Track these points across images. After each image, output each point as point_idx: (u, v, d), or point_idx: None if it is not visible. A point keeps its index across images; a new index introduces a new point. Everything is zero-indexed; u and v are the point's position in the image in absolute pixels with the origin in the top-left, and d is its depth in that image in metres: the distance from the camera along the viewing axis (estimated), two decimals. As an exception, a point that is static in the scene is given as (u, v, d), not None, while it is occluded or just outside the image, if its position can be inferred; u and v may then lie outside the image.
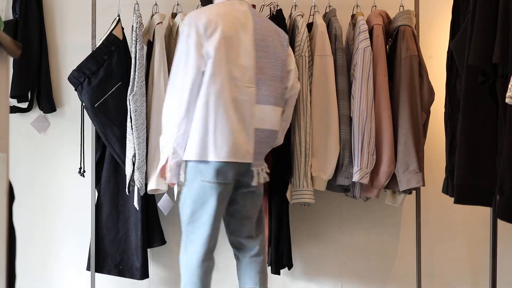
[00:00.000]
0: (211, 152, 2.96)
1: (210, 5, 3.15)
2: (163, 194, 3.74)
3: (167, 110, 3.01)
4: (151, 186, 3.54)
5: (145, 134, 3.54)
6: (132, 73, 3.51)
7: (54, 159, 4.07)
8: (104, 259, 3.79)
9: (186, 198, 3.05)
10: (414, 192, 3.78)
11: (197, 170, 2.99)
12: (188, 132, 2.97)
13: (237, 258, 3.27)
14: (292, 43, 3.59)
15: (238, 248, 3.24)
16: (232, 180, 3.05)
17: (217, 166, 2.97)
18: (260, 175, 3.16)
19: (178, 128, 2.96)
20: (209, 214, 3.01)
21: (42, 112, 4.01)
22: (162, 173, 3.05)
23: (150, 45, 3.65)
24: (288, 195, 3.60)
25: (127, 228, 3.78)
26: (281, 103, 3.22)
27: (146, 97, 3.57)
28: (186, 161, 3.01)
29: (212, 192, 2.99)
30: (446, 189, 3.39)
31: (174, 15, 3.75)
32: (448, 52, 3.44)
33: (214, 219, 3.02)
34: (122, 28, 3.67)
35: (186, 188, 3.04)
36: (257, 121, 3.08)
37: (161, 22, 3.63)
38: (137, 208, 3.64)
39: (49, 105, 3.97)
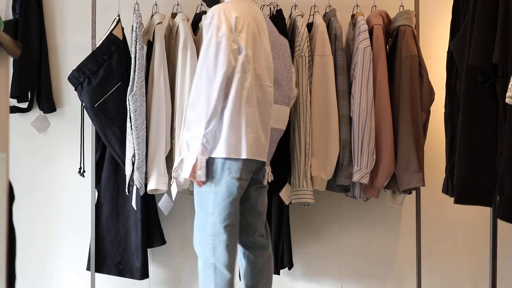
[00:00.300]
0: (243, 149, 2.93)
1: (229, 2, 3.09)
2: (163, 194, 3.74)
3: (196, 106, 2.91)
4: (151, 186, 3.54)
5: (145, 134, 3.54)
6: (132, 73, 3.51)
7: (54, 159, 4.07)
8: (104, 259, 3.78)
9: (213, 197, 2.97)
10: (414, 192, 3.78)
11: (225, 167, 2.95)
12: (216, 128, 2.92)
13: (246, 257, 3.21)
14: (292, 43, 3.60)
15: (249, 247, 3.20)
16: (249, 177, 3.05)
17: (244, 163, 2.96)
18: (269, 173, 3.22)
19: (208, 124, 2.88)
20: (237, 211, 3.00)
21: (42, 112, 4.01)
22: (194, 171, 2.96)
23: (150, 45, 3.65)
24: (283, 195, 3.58)
25: (127, 228, 3.78)
26: (289, 104, 3.26)
27: (146, 97, 3.56)
28: (212, 158, 2.95)
29: (237, 189, 2.97)
30: (446, 189, 3.39)
31: (174, 15, 3.74)
32: (448, 52, 3.43)
33: (238, 217, 3.02)
34: (122, 28, 3.67)
35: (212, 186, 2.96)
36: (273, 120, 3.10)
37: (161, 22, 3.63)
38: (135, 208, 3.64)
39: (49, 105, 3.97)
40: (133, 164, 3.50)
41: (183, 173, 3.08)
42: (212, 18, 2.95)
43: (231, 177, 2.95)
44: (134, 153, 3.48)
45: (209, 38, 2.93)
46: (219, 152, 2.93)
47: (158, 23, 3.61)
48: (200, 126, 2.89)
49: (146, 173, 3.55)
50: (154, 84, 3.56)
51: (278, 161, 3.52)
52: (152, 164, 3.54)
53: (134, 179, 3.52)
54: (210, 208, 2.97)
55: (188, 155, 2.97)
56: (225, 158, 2.94)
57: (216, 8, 3.00)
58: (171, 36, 3.70)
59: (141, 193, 3.56)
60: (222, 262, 2.96)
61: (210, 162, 2.96)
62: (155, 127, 3.54)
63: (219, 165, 2.95)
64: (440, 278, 4.14)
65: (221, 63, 2.89)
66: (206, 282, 3.00)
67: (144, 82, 3.53)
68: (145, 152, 3.52)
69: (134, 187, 3.55)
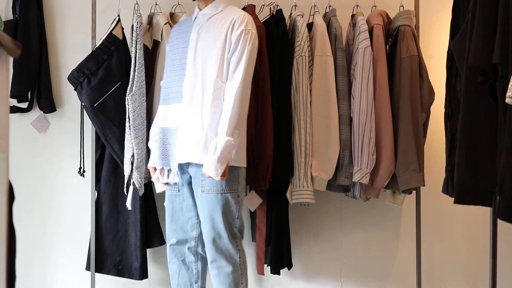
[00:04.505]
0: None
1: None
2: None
3: (242, 114, 3.01)
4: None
5: (145, 134, 3.53)
6: (131, 73, 3.51)
7: (54, 159, 4.07)
8: (103, 259, 3.78)
9: (237, 205, 3.13)
10: (414, 192, 3.78)
11: (244, 176, 3.19)
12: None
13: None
14: (292, 43, 3.60)
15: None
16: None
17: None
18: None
19: (245, 132, 3.14)
20: None
21: (42, 112, 4.01)
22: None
23: (156, 45, 3.65)
24: (288, 195, 3.60)
25: (127, 228, 3.77)
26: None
27: (151, 97, 3.57)
28: (238, 168, 3.13)
29: None
30: (446, 189, 3.39)
31: (171, 15, 3.75)
32: (448, 52, 3.44)
33: None
34: (122, 28, 3.67)
35: (238, 193, 3.13)
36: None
37: (168, 22, 3.64)
38: (129, 208, 3.60)
39: (49, 105, 3.97)
40: (132, 164, 3.50)
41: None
42: (252, 29, 3.10)
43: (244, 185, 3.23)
44: (133, 153, 3.48)
45: (252, 48, 3.07)
46: (243, 162, 3.15)
47: (165, 23, 3.61)
48: (241, 134, 3.04)
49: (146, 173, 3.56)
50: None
51: (278, 161, 3.52)
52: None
53: (133, 179, 3.51)
54: (238, 217, 3.17)
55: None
56: (244, 168, 3.17)
57: (249, 17, 3.13)
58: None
59: (140, 193, 3.56)
60: (245, 263, 3.23)
61: (238, 172, 3.14)
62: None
63: (243, 174, 3.18)
64: (440, 278, 4.14)
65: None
66: (237, 283, 3.17)
67: (144, 82, 3.52)
68: (145, 152, 3.52)
69: (131, 187, 3.54)
